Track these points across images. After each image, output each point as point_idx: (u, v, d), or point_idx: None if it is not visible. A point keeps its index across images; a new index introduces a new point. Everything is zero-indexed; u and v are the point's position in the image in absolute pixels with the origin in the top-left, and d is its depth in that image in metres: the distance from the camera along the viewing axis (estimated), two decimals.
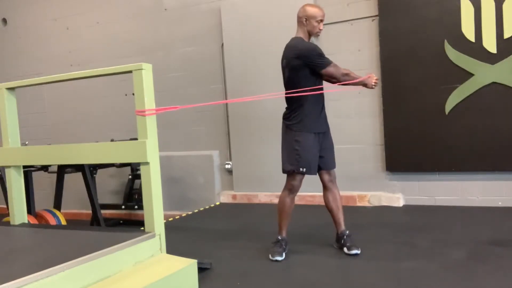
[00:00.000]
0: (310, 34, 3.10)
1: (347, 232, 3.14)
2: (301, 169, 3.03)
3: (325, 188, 3.20)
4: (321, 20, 3.07)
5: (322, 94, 3.10)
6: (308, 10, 3.07)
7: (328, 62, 3.02)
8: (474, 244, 3.08)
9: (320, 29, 3.09)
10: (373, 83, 3.04)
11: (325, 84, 3.16)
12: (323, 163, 3.14)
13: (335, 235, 3.20)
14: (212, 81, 5.31)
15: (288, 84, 3.11)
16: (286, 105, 3.16)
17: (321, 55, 3.03)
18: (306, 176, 3.17)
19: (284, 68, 3.13)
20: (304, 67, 3.01)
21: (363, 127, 4.64)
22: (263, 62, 4.87)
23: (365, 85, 3.06)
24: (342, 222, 3.17)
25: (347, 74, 3.03)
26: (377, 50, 4.52)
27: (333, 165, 3.18)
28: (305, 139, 3.04)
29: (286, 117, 3.14)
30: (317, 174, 3.17)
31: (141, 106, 2.26)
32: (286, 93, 3.10)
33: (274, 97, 3.27)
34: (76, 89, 5.88)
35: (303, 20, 3.07)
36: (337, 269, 2.83)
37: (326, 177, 3.17)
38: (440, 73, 4.24)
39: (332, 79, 3.09)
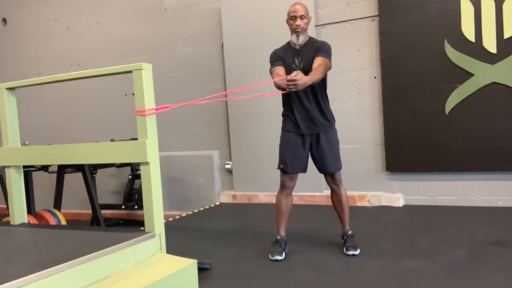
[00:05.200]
0: (291, 33, 3.12)
1: (350, 232, 3.16)
2: (280, 165, 3.14)
3: (330, 189, 3.23)
4: (294, 17, 3.04)
5: (311, 97, 3.06)
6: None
7: (270, 70, 3.14)
8: (474, 244, 3.08)
9: (297, 25, 3.03)
10: (285, 85, 2.85)
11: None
12: (319, 167, 3.16)
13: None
14: (212, 81, 5.31)
15: None
16: None
17: (270, 62, 3.16)
18: (306, 176, 3.18)
19: None
20: None
21: (363, 127, 4.64)
22: (263, 62, 4.84)
23: (281, 87, 2.96)
24: (346, 222, 3.19)
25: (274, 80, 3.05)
26: (377, 50, 4.52)
27: (332, 169, 3.13)
28: (284, 137, 3.18)
29: None
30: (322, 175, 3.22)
31: (141, 106, 2.26)
32: (283, 93, 3.12)
33: (266, 95, 3.28)
34: (76, 89, 5.88)
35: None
36: (337, 269, 2.83)
37: (328, 179, 3.19)
38: (440, 73, 4.24)
39: None
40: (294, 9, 3.06)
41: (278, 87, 3.01)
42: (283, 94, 3.08)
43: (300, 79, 2.79)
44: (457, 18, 4.16)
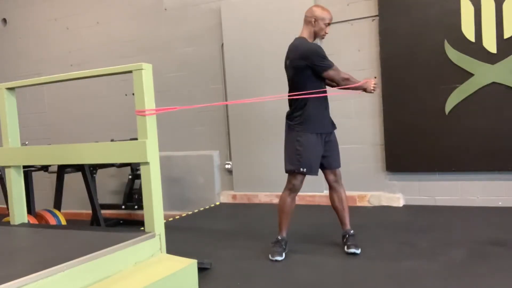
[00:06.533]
0: (315, 35, 3.10)
1: (351, 231, 3.16)
2: (301, 169, 3.03)
3: (331, 188, 3.22)
4: (329, 23, 3.09)
5: (326, 96, 3.11)
6: (317, 11, 3.07)
7: (329, 65, 3.01)
8: (474, 244, 3.08)
9: (326, 32, 3.11)
10: (371, 88, 3.05)
11: (328, 88, 3.18)
12: (327, 163, 3.15)
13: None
14: (212, 81, 5.31)
15: (292, 84, 3.12)
16: (288, 105, 3.17)
17: (323, 57, 3.01)
18: (307, 176, 3.17)
19: (287, 68, 3.14)
20: (307, 68, 3.01)
21: (363, 127, 4.64)
22: (263, 62, 4.88)
23: (364, 90, 3.08)
24: (347, 221, 3.19)
25: (347, 79, 3.04)
26: (377, 50, 4.52)
27: (337, 165, 3.18)
28: (307, 139, 3.04)
29: (289, 116, 3.15)
30: (323, 173, 3.19)
31: (141, 106, 2.26)
32: (289, 95, 3.10)
33: (274, 99, 3.27)
34: (76, 89, 5.88)
35: (312, 20, 3.07)
36: (337, 269, 2.83)
37: (331, 177, 3.18)
38: (440, 73, 4.24)
39: (332, 83, 3.12)
40: (332, 16, 3.12)
41: (357, 87, 3.06)
42: (315, 95, 3.05)
43: None
44: (457, 18, 4.16)
